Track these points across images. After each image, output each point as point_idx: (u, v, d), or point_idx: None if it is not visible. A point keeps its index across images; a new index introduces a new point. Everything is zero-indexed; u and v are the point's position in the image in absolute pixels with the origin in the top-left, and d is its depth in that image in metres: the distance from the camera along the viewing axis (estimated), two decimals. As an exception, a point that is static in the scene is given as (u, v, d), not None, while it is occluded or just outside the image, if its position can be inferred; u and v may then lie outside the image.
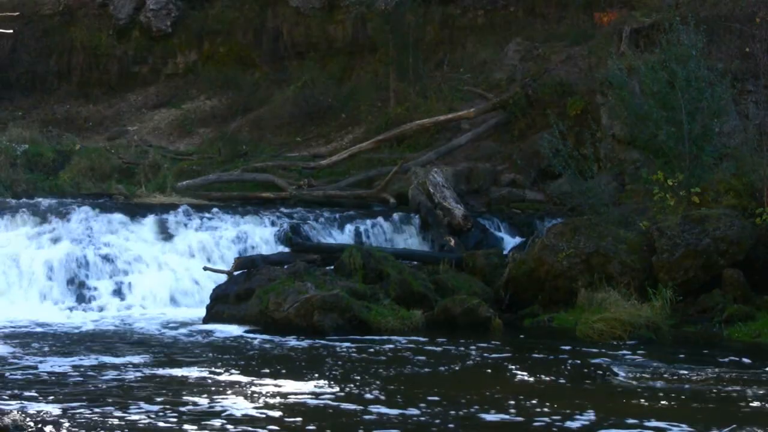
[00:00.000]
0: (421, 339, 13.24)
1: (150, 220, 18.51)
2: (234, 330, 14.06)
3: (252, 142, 27.09)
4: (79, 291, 16.62)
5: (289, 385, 10.08)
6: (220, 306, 15.04)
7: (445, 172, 20.74)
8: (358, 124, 26.83)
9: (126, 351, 12.28)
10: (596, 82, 21.06)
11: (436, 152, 23.36)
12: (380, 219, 19.18)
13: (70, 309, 16.05)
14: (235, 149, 26.49)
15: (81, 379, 10.46)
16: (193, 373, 10.79)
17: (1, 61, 31.18)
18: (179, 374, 10.73)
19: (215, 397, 9.51)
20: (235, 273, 15.86)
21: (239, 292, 15.01)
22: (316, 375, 10.68)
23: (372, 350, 12.38)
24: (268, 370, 10.95)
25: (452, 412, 8.92)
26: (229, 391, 9.79)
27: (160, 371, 10.90)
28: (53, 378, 10.47)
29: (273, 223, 18.79)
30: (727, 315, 13.83)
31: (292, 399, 9.48)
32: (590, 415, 8.80)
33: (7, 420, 7.55)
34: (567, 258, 14.98)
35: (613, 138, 20.11)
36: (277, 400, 9.43)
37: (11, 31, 27.38)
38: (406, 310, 14.31)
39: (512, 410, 9.02)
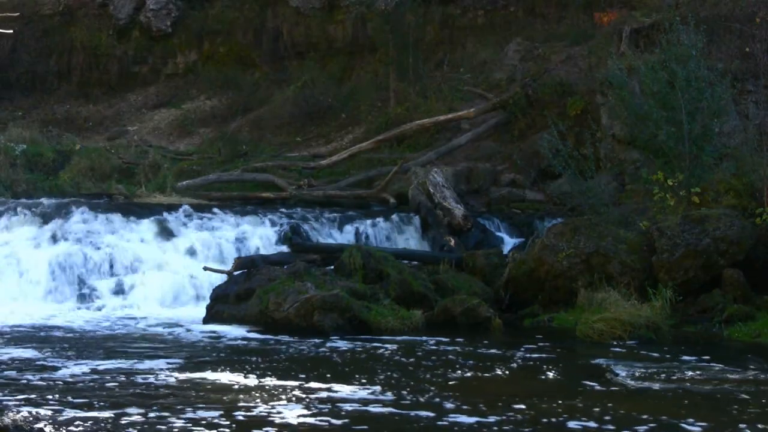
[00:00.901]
0: (432, 339, 13.16)
1: (150, 220, 18.51)
2: (236, 330, 14.01)
3: (252, 142, 27.10)
4: (80, 291, 16.63)
5: (335, 389, 9.76)
6: (220, 306, 15.04)
7: (445, 172, 20.74)
8: (358, 124, 26.83)
9: (138, 352, 12.13)
10: (596, 82, 21.07)
11: (436, 152, 23.36)
12: (380, 219, 19.18)
13: (71, 309, 16.05)
14: (235, 149, 26.50)
15: (98, 381, 10.23)
16: (226, 376, 10.51)
17: (1, 61, 31.20)
18: (212, 378, 10.42)
19: (268, 402, 9.15)
20: (235, 273, 15.86)
21: (239, 292, 15.00)
22: (362, 379, 10.35)
23: (392, 351, 12.24)
24: (304, 374, 10.60)
25: (545, 420, 8.66)
26: (276, 396, 9.44)
27: (190, 374, 10.63)
28: (65, 380, 10.31)
29: (273, 223, 18.79)
30: (727, 315, 13.83)
31: (347, 405, 9.11)
32: (590, 415, 8.80)
33: (7, 420, 7.54)
34: (567, 258, 14.99)
35: (613, 138, 20.11)
36: (330, 406, 9.07)
37: (11, 31, 27.39)
38: (406, 310, 14.31)
39: (526, 409, 9.04)
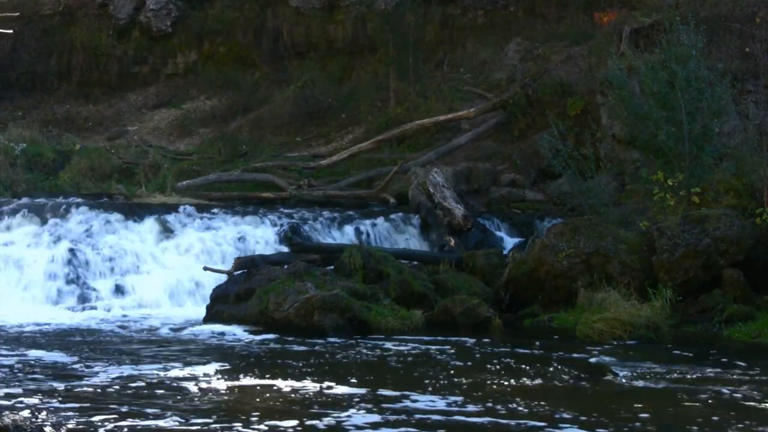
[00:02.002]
0: (443, 339, 13.11)
1: (150, 220, 18.51)
2: (240, 331, 13.94)
3: (252, 142, 27.10)
4: (80, 291, 16.61)
5: (412, 398, 9.35)
6: (220, 306, 15.03)
7: (445, 172, 20.74)
8: (358, 124, 26.83)
9: (151, 354, 11.97)
10: (596, 82, 21.07)
11: (436, 152, 23.36)
12: (380, 219, 19.17)
13: (71, 309, 16.04)
14: (235, 149, 26.50)
15: (120, 385, 10.06)
16: (277, 382, 10.14)
17: (1, 61, 31.20)
18: (264, 384, 10.07)
19: (344, 411, 8.73)
20: (235, 273, 15.85)
21: (239, 292, 15.00)
22: (427, 385, 10.01)
23: (417, 352, 12.12)
24: (356, 380, 10.27)
25: (544, 420, 8.54)
26: (347, 404, 9.01)
27: (234, 380, 10.32)
28: (73, 382, 10.24)
29: (273, 223, 18.78)
30: (727, 315, 13.83)
31: (428, 416, 8.66)
32: (590, 416, 8.80)
33: (7, 420, 7.53)
34: (567, 258, 14.98)
35: (613, 138, 20.11)
36: (406, 416, 8.62)
37: (11, 31, 27.39)
38: (406, 310, 14.30)
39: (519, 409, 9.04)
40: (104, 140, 28.15)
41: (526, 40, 27.42)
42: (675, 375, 10.74)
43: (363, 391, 9.76)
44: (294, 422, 8.36)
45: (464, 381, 10.46)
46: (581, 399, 9.54)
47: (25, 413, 8.37)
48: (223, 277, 16.06)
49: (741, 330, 13.44)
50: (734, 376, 10.64)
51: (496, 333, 13.84)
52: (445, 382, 10.37)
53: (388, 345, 12.71)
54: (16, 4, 30.90)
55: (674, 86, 16.09)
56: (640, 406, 9.21)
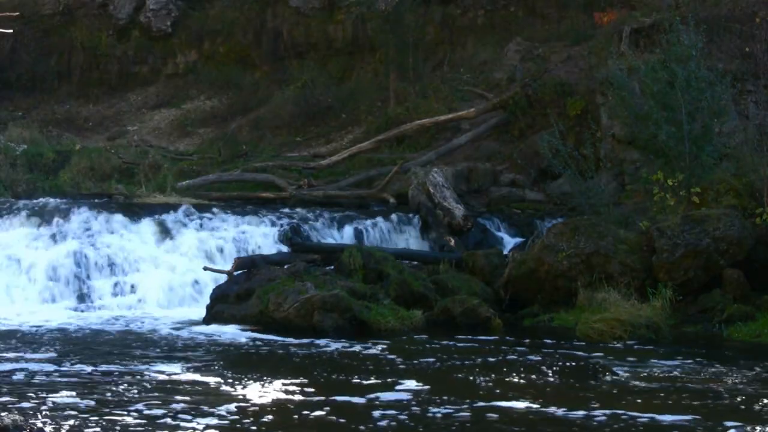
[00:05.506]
0: (444, 338, 13.11)
1: (150, 220, 18.50)
2: (239, 330, 13.92)
3: (252, 142, 27.10)
4: (80, 291, 16.61)
5: (459, 402, 9.20)
6: (220, 306, 15.04)
7: (445, 172, 20.73)
8: (358, 124, 26.83)
9: (151, 355, 11.89)
10: (596, 82, 21.07)
11: (436, 152, 23.36)
12: (380, 219, 19.17)
13: (71, 309, 16.03)
14: (235, 149, 26.50)
15: (135, 388, 9.98)
16: (268, 382, 10.07)
17: (1, 61, 31.19)
18: (254, 384, 9.95)
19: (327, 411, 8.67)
20: (235, 273, 15.85)
21: (239, 292, 15.00)
22: (423, 382, 10.00)
23: (417, 353, 12.10)
24: (406, 385, 10.06)
25: (544, 420, 8.49)
26: (412, 410, 8.84)
27: (224, 379, 10.24)
28: (80, 382, 10.20)
29: (273, 223, 18.78)
30: (727, 315, 13.84)
31: (434, 416, 8.52)
32: (590, 415, 8.80)
33: (7, 420, 7.53)
34: (567, 258, 14.98)
35: (613, 138, 20.11)
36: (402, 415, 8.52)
37: (11, 31, 27.35)
38: (406, 310, 14.31)
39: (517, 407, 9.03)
40: (104, 140, 28.14)
41: (526, 40, 27.39)
42: (675, 375, 10.74)
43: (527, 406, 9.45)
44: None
45: (461, 380, 10.47)
46: (581, 399, 9.54)
47: (25, 414, 8.36)
48: (223, 277, 16.05)
49: (741, 330, 13.45)
50: (734, 376, 10.64)
51: (496, 333, 13.84)
52: (442, 380, 10.37)
53: (388, 345, 12.71)
54: (16, 4, 30.86)
55: (674, 86, 16.10)
56: (640, 406, 9.21)
